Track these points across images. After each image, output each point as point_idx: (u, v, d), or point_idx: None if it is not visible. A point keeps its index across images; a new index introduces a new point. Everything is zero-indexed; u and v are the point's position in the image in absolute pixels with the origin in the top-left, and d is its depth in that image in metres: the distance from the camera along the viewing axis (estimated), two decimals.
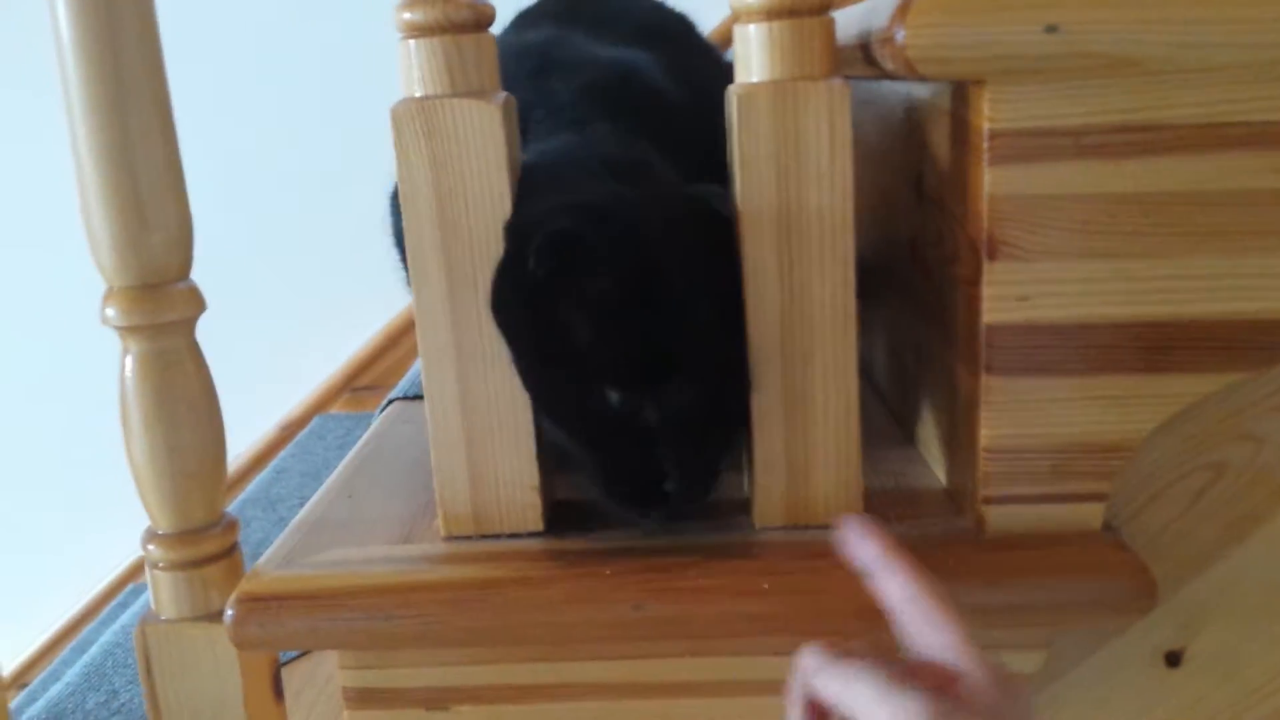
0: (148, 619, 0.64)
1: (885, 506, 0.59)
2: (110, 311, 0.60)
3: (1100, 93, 0.50)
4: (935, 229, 0.60)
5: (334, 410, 2.10)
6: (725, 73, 0.55)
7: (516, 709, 0.60)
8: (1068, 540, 0.55)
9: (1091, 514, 0.55)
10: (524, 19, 0.79)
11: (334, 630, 0.55)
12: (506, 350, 0.56)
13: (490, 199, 0.55)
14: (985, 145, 0.51)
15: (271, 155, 1.99)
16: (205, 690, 0.64)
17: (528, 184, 0.56)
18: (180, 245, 0.61)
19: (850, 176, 0.53)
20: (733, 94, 0.53)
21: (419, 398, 0.59)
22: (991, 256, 0.52)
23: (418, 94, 0.54)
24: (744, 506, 0.60)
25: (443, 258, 0.56)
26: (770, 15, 0.52)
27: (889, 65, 0.52)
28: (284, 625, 0.55)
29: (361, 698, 0.60)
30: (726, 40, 0.56)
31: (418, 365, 0.59)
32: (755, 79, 0.53)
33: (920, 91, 0.62)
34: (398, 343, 2.07)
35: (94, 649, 1.28)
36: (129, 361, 0.61)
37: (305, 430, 1.98)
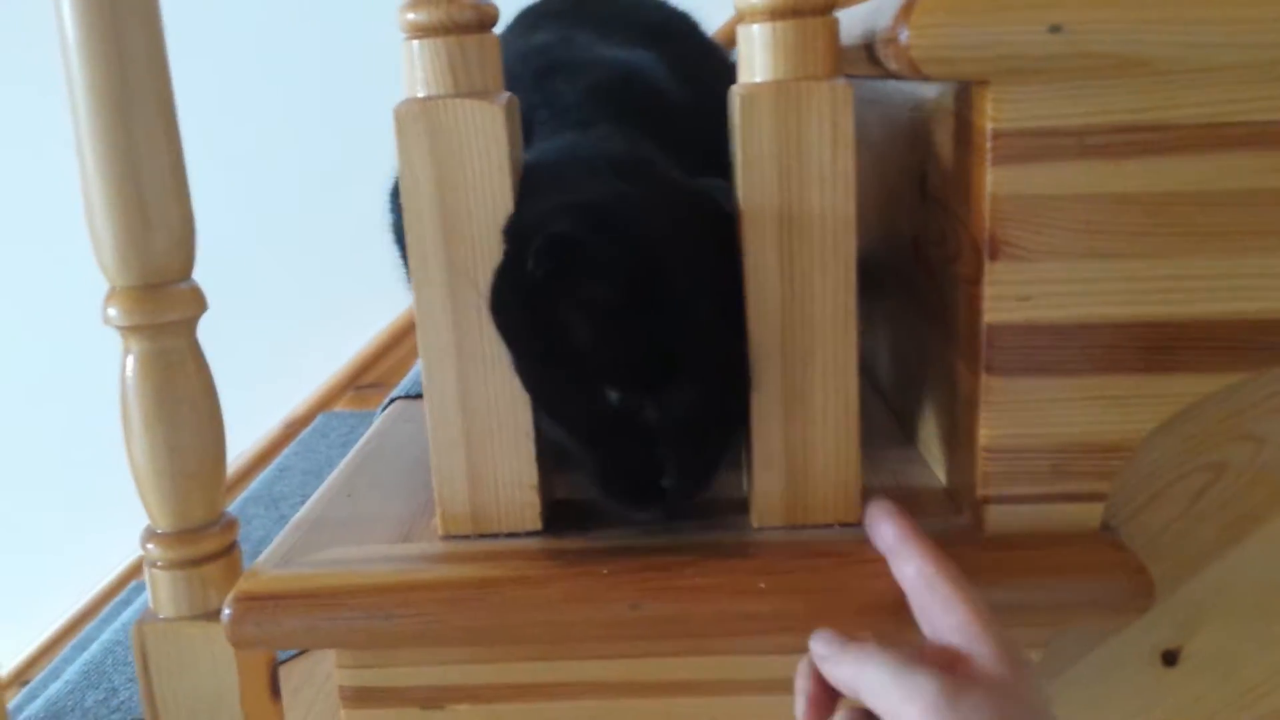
0: (146, 618, 0.64)
1: None
2: (112, 311, 0.60)
3: (1103, 93, 0.50)
4: (938, 228, 0.60)
5: (338, 408, 2.10)
6: (730, 72, 0.55)
7: (514, 708, 0.60)
8: (1066, 540, 0.55)
9: (1091, 514, 0.55)
10: (526, 18, 0.79)
11: (331, 629, 0.55)
12: (506, 351, 0.56)
13: (492, 199, 0.55)
14: (988, 145, 0.51)
15: (275, 153, 1.99)
16: (202, 689, 0.64)
17: (529, 183, 0.56)
18: (182, 245, 0.61)
19: (852, 177, 0.53)
20: (735, 94, 0.53)
21: (420, 396, 0.59)
22: (993, 256, 0.52)
23: (420, 94, 0.54)
24: (743, 506, 0.60)
25: (444, 258, 0.56)
26: (774, 15, 0.52)
27: (892, 65, 0.52)
28: (281, 624, 0.55)
29: (358, 696, 0.60)
30: (732, 40, 0.56)
31: (420, 364, 0.59)
32: (758, 79, 0.53)
33: (925, 91, 0.62)
34: (401, 341, 2.07)
35: (94, 647, 1.28)
36: (130, 361, 0.61)
37: (309, 428, 1.99)
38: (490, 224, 0.55)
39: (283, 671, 1.03)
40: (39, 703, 1.17)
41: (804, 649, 0.50)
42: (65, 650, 1.73)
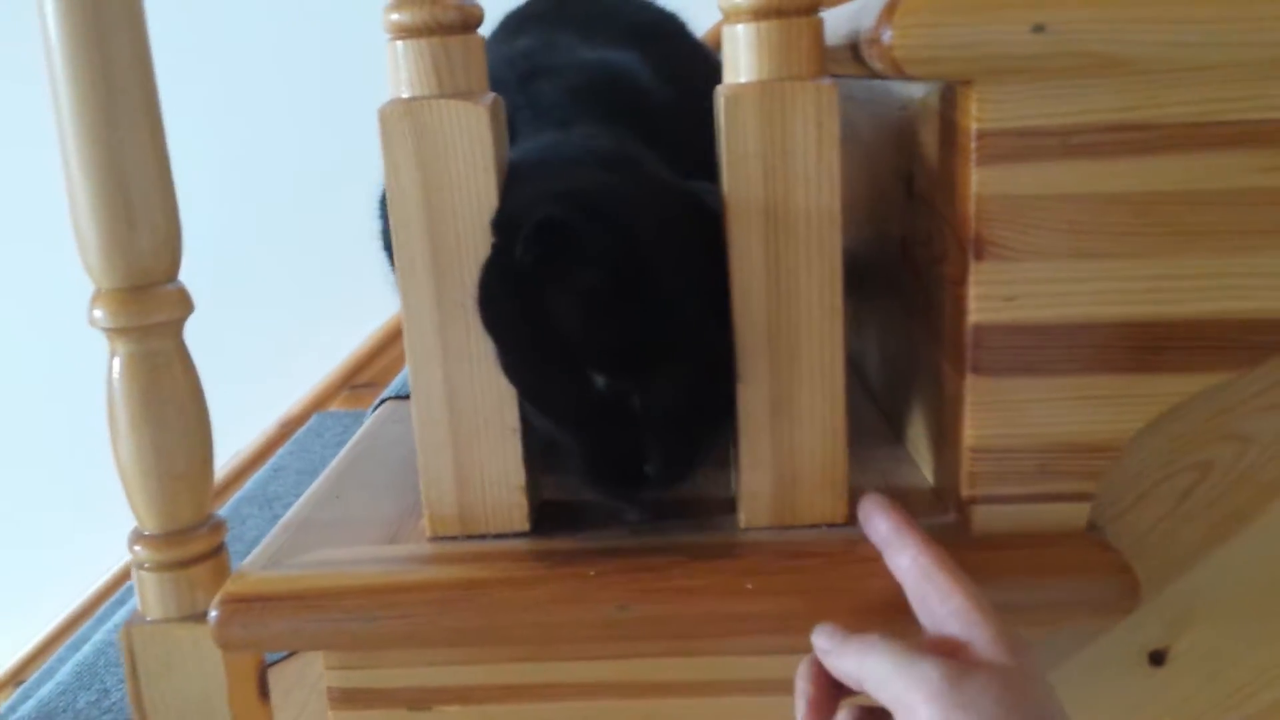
0: (134, 620, 0.64)
1: None
2: (98, 313, 0.60)
3: (1088, 92, 0.50)
4: (925, 228, 0.60)
5: (333, 407, 2.10)
6: (716, 73, 0.55)
7: (501, 709, 0.60)
8: (1053, 540, 0.55)
9: (1077, 514, 0.55)
10: (512, 21, 0.79)
11: (317, 631, 0.55)
12: (492, 347, 0.56)
13: (477, 200, 0.55)
14: (973, 145, 0.51)
15: (269, 153, 1.99)
16: (190, 691, 0.63)
17: (514, 178, 0.56)
18: (168, 246, 0.61)
19: (837, 176, 0.53)
20: (720, 94, 0.53)
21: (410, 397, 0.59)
22: (979, 256, 0.52)
23: (405, 95, 0.54)
24: (731, 506, 0.60)
25: (429, 258, 0.56)
26: (758, 15, 0.52)
27: (877, 65, 0.52)
28: (267, 626, 0.55)
29: (346, 698, 0.60)
30: (719, 42, 0.56)
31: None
32: (743, 79, 0.53)
33: (912, 91, 0.61)
34: (396, 340, 2.07)
35: (86, 647, 1.28)
36: (116, 363, 0.60)
37: (303, 428, 1.98)
38: (476, 224, 0.55)
39: (274, 673, 1.03)
40: (31, 703, 1.17)
41: (792, 649, 0.50)
42: (60, 650, 1.73)
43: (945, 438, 0.58)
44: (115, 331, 0.60)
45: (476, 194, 0.55)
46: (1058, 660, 0.61)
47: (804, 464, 0.57)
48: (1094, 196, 0.51)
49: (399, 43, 0.54)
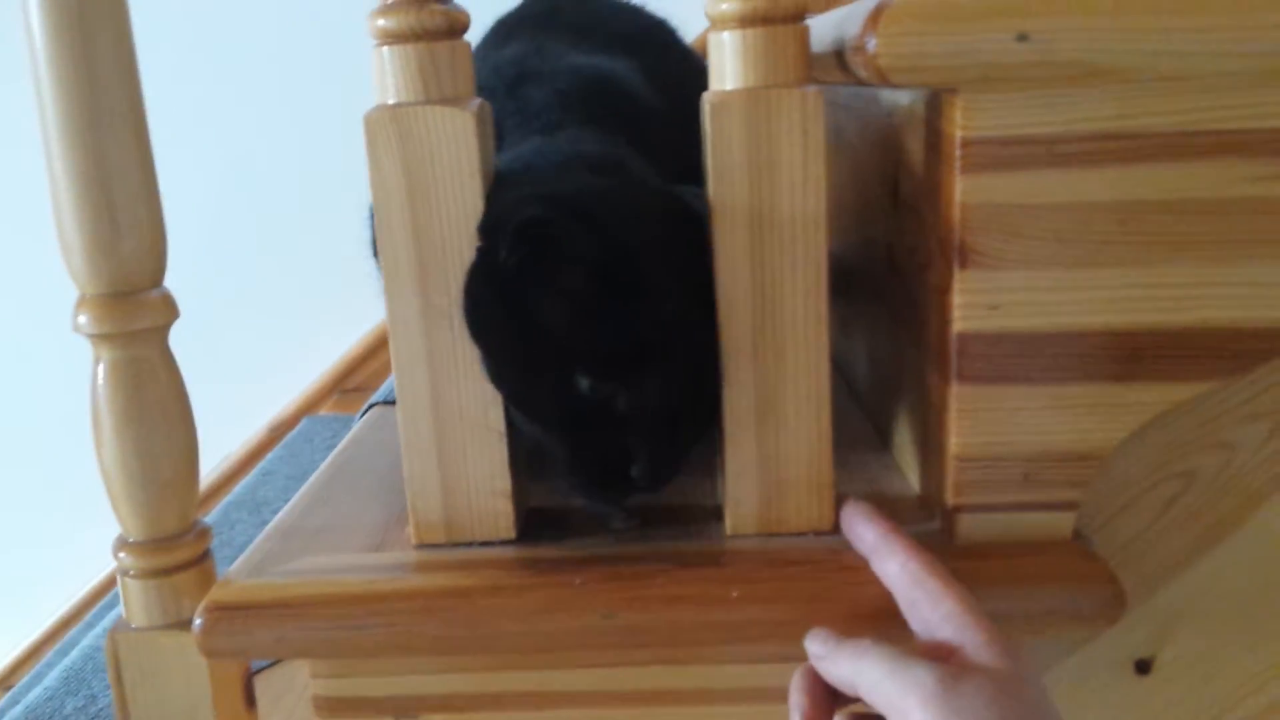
0: (119, 627, 0.64)
1: None
2: (82, 319, 0.59)
3: (1073, 101, 0.50)
4: (910, 235, 0.60)
5: (323, 412, 2.09)
6: (705, 79, 0.55)
7: (488, 717, 0.60)
8: (1038, 548, 0.55)
9: (1062, 522, 0.55)
10: (502, 27, 0.79)
11: (302, 640, 0.55)
12: (477, 353, 0.56)
13: (463, 206, 0.55)
14: (957, 153, 0.51)
15: (263, 156, 1.99)
16: (176, 698, 0.63)
17: (500, 182, 0.56)
18: (153, 252, 0.61)
19: (823, 183, 0.53)
20: (706, 101, 0.53)
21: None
22: (963, 264, 0.52)
23: (391, 101, 0.54)
24: (716, 513, 0.60)
25: (415, 264, 0.55)
26: (743, 23, 0.52)
27: (862, 73, 0.52)
28: (252, 634, 0.55)
29: (332, 707, 0.60)
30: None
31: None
32: (729, 86, 0.53)
33: (898, 98, 0.62)
34: (387, 344, 2.06)
35: (74, 653, 1.28)
36: (100, 369, 0.60)
37: (293, 432, 1.98)
38: (461, 230, 0.55)
39: (264, 678, 1.03)
40: (19, 709, 1.16)
41: (780, 657, 0.50)
42: (49, 655, 1.72)
43: (930, 445, 0.58)
44: (99, 338, 0.60)
45: (462, 200, 0.55)
46: (1043, 669, 0.61)
47: (790, 471, 0.57)
48: (1078, 205, 0.51)
49: (385, 48, 0.54)
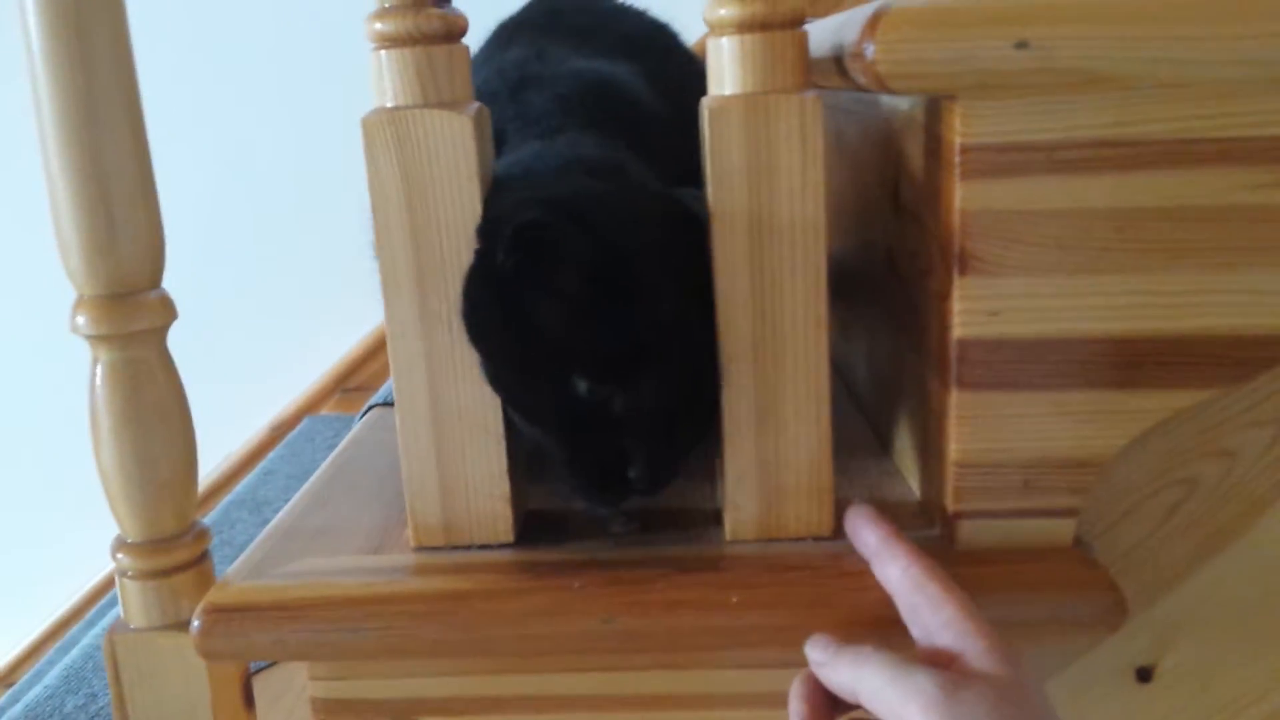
0: (117, 628, 0.64)
1: None
2: (80, 320, 0.59)
3: (1072, 108, 0.50)
4: (910, 241, 0.60)
5: (324, 411, 2.09)
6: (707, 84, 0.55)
7: None
8: (1039, 555, 0.55)
9: (1063, 529, 0.55)
10: (504, 31, 0.79)
11: (300, 642, 0.55)
12: (476, 356, 0.56)
13: (461, 210, 0.55)
14: (957, 160, 0.51)
15: (264, 155, 1.99)
16: (174, 699, 0.63)
17: (499, 186, 0.56)
18: (151, 254, 0.61)
19: (822, 188, 0.53)
20: (705, 106, 0.53)
21: None
22: (963, 271, 0.52)
23: (389, 104, 0.54)
24: (716, 518, 0.60)
25: (413, 267, 0.55)
26: (742, 28, 0.52)
27: (860, 79, 0.52)
28: (249, 636, 0.55)
29: (330, 709, 0.60)
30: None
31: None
32: (728, 91, 0.53)
33: (898, 103, 0.61)
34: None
35: (74, 651, 1.28)
36: (98, 371, 0.60)
37: (294, 431, 1.98)
38: (459, 234, 0.55)
39: (263, 678, 1.03)
40: (19, 707, 1.16)
41: (779, 663, 0.50)
42: (49, 653, 1.72)
43: (930, 451, 0.58)
44: (97, 339, 0.60)
45: (460, 204, 0.55)
46: (1044, 677, 0.61)
47: (789, 476, 0.57)
48: (1078, 212, 0.51)
49: (383, 52, 0.54)
